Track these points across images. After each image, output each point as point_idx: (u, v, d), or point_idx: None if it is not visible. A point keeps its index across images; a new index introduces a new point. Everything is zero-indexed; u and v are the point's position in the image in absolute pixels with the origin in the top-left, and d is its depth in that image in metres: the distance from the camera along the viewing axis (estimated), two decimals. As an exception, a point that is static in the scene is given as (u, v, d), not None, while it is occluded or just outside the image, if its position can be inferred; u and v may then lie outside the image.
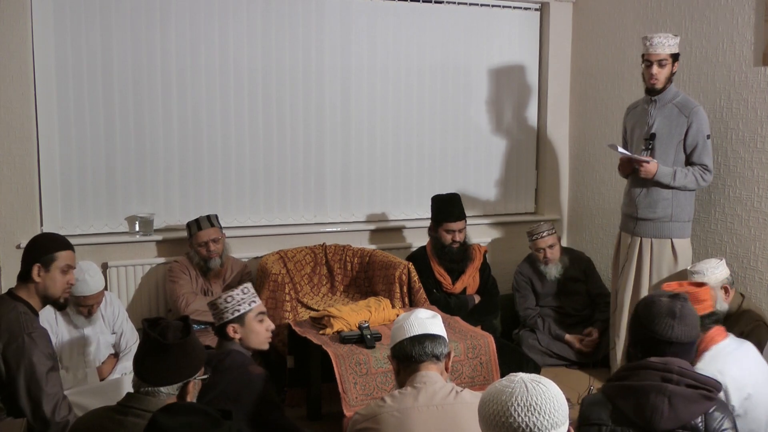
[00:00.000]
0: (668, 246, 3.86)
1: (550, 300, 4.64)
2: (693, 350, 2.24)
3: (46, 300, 2.80)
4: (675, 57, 3.79)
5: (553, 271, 4.59)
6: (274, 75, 4.59)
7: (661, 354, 2.16)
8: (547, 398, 1.54)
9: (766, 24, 3.78)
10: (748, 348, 2.73)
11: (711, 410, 2.05)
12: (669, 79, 3.83)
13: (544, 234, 4.56)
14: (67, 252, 2.84)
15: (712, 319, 2.75)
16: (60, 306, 2.88)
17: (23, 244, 4.03)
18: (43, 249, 2.80)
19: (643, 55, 3.83)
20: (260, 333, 2.89)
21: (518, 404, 1.53)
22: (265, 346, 2.93)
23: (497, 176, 5.28)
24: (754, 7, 3.84)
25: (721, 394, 2.49)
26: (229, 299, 2.84)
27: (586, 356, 4.42)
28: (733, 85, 3.98)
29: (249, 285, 2.95)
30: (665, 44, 3.73)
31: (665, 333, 2.17)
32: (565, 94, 5.33)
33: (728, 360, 2.61)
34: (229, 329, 2.82)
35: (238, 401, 2.61)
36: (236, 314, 2.83)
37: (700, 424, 2.03)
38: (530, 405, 1.53)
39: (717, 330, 2.74)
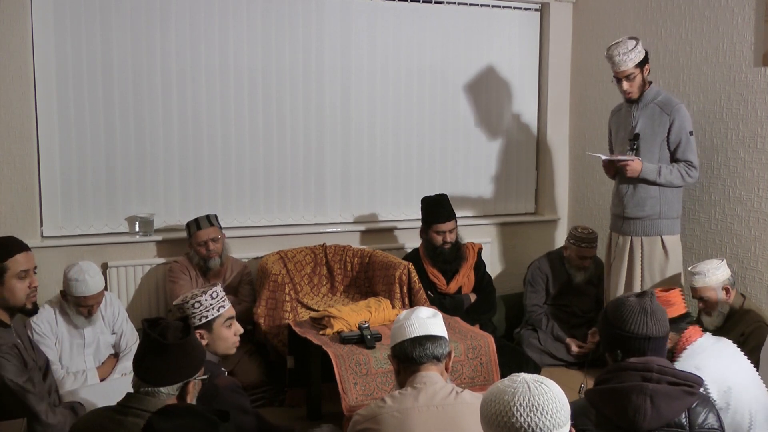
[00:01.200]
0: (659, 243, 3.89)
1: (561, 298, 4.62)
2: (666, 344, 2.26)
3: (12, 311, 2.65)
4: (642, 63, 3.79)
5: (582, 276, 4.58)
6: (274, 75, 4.59)
7: (641, 352, 2.17)
8: (550, 398, 1.54)
9: (767, 24, 3.78)
10: (725, 343, 2.77)
11: (694, 405, 2.05)
12: (646, 83, 3.86)
13: (594, 245, 4.53)
14: (19, 256, 2.64)
15: (686, 320, 2.79)
16: (28, 313, 2.72)
17: (23, 245, 4.05)
18: None
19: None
20: (228, 339, 2.75)
21: (520, 404, 1.53)
22: (232, 351, 2.80)
23: (497, 176, 5.28)
24: (754, 7, 3.84)
25: (702, 389, 2.51)
26: (197, 304, 2.67)
27: (586, 356, 4.41)
28: (733, 86, 3.98)
29: (218, 288, 2.77)
30: (626, 60, 3.74)
31: (641, 330, 2.17)
32: (565, 95, 5.33)
33: (705, 355, 2.66)
34: (197, 335, 2.62)
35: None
36: (203, 321, 2.68)
37: (684, 421, 2.03)
38: (533, 405, 1.53)
39: (692, 330, 2.79)
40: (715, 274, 3.49)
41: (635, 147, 3.86)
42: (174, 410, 1.74)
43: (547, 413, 1.52)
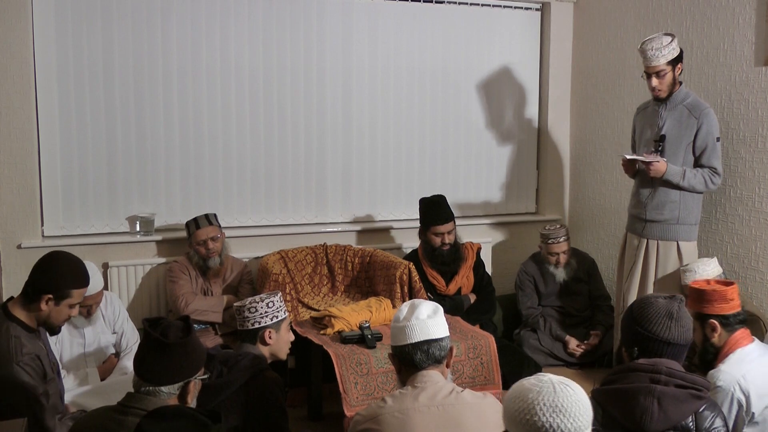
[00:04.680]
0: (674, 248, 3.79)
1: (553, 300, 4.62)
2: (685, 352, 2.23)
3: (43, 325, 2.71)
4: (675, 61, 3.68)
5: (562, 274, 4.57)
6: (275, 75, 4.59)
7: (658, 354, 2.16)
8: (574, 401, 1.54)
9: (767, 24, 3.78)
10: None
11: (701, 409, 2.05)
12: (676, 82, 3.74)
13: (561, 239, 4.52)
14: (82, 290, 2.75)
15: (738, 318, 2.68)
16: (54, 332, 2.79)
17: (24, 245, 4.05)
18: (61, 282, 2.66)
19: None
20: (287, 342, 2.93)
21: (544, 404, 1.53)
22: (285, 356, 2.96)
23: (498, 176, 5.28)
24: (755, 7, 3.83)
25: (740, 397, 2.46)
26: (270, 304, 2.83)
27: (587, 356, 4.41)
28: (734, 86, 3.98)
29: (280, 294, 2.96)
30: (659, 55, 3.63)
31: (663, 334, 2.16)
32: (566, 95, 5.32)
33: (753, 366, 2.56)
34: (266, 334, 2.82)
35: (252, 404, 2.61)
36: (275, 320, 2.84)
37: (690, 424, 2.02)
38: (556, 406, 1.53)
39: (743, 333, 2.67)
40: (705, 271, 3.48)
41: (660, 148, 3.74)
42: (165, 412, 1.74)
43: (569, 415, 1.52)
